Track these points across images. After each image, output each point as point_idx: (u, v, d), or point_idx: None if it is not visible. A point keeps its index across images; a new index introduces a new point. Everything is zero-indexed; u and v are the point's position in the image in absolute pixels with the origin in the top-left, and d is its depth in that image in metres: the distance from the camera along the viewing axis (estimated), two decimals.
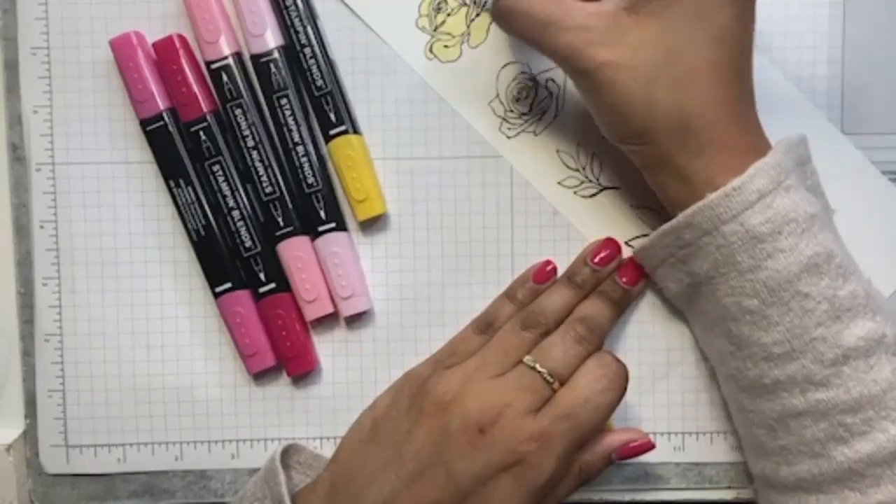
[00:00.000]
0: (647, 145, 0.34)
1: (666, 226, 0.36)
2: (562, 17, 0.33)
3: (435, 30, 0.41)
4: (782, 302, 0.33)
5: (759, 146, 0.35)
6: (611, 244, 0.39)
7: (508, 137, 0.41)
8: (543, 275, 0.39)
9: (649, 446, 0.37)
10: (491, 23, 0.41)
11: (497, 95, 0.41)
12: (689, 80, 0.33)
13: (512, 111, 0.41)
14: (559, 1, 0.34)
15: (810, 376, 0.33)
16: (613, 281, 0.39)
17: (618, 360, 0.36)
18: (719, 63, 0.33)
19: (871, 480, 0.33)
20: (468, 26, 0.41)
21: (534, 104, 0.41)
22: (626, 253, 0.40)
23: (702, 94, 0.33)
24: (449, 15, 0.41)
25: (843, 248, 0.35)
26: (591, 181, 0.41)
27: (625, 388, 0.36)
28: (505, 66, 0.41)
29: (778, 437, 0.35)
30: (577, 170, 0.41)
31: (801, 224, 0.33)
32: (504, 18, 0.35)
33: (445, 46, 0.41)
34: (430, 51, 0.41)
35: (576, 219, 0.41)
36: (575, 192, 0.41)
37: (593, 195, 0.41)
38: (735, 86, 0.34)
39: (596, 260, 0.39)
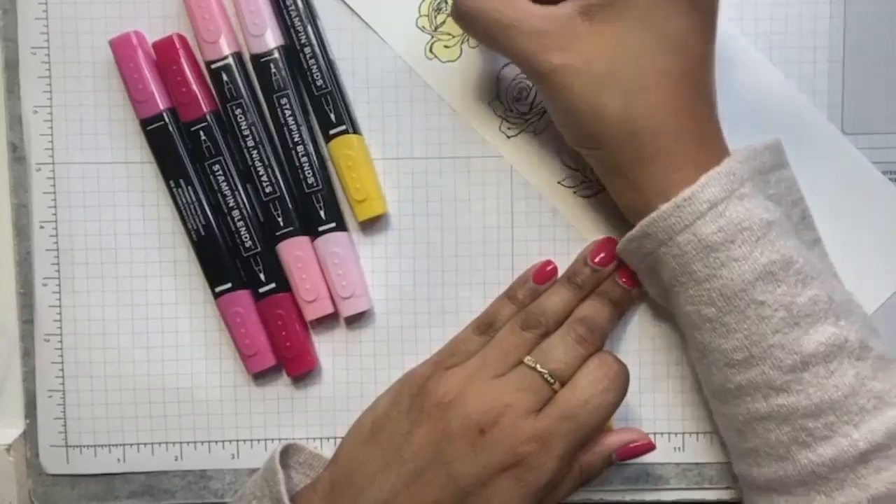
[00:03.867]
0: (600, 150, 0.35)
1: (628, 234, 0.36)
2: (519, 21, 0.34)
3: (435, 30, 0.41)
4: (738, 310, 0.33)
5: (716, 156, 0.34)
6: (611, 244, 0.39)
7: (508, 137, 0.41)
8: (543, 275, 0.39)
9: (650, 447, 0.37)
10: None
11: (497, 95, 0.41)
12: (640, 89, 0.33)
13: (512, 111, 0.41)
14: (517, 5, 0.34)
15: (770, 382, 0.33)
16: (613, 281, 0.39)
17: (619, 361, 0.36)
18: (672, 73, 0.33)
19: (836, 484, 0.33)
20: None
21: (533, 104, 0.41)
22: None
23: (651, 104, 0.33)
24: (449, 15, 0.41)
25: (807, 252, 0.35)
26: (590, 181, 0.41)
27: (625, 389, 0.36)
28: (505, 66, 0.41)
29: (747, 440, 0.35)
30: (576, 169, 0.41)
31: (756, 232, 0.33)
32: (464, 20, 0.35)
33: (445, 46, 0.41)
34: (430, 51, 0.41)
35: (575, 218, 0.41)
36: (575, 192, 0.41)
37: (593, 195, 0.41)
38: (689, 96, 0.34)
39: (596, 260, 0.39)
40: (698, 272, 0.34)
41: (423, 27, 0.41)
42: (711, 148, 0.35)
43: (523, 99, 0.41)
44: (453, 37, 0.41)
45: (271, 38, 0.40)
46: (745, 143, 0.35)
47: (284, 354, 0.41)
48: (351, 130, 0.40)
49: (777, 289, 0.33)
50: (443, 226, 0.42)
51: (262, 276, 0.40)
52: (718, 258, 0.33)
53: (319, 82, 0.40)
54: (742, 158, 0.34)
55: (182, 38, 0.40)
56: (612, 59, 0.33)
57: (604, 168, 0.36)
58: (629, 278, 0.39)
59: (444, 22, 0.41)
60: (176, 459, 0.42)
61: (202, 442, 0.42)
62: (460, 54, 0.41)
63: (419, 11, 0.41)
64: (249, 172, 0.40)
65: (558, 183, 0.41)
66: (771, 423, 0.34)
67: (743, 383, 0.34)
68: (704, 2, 0.34)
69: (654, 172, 0.34)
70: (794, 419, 0.33)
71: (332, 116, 0.40)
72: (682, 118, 0.34)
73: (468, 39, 0.41)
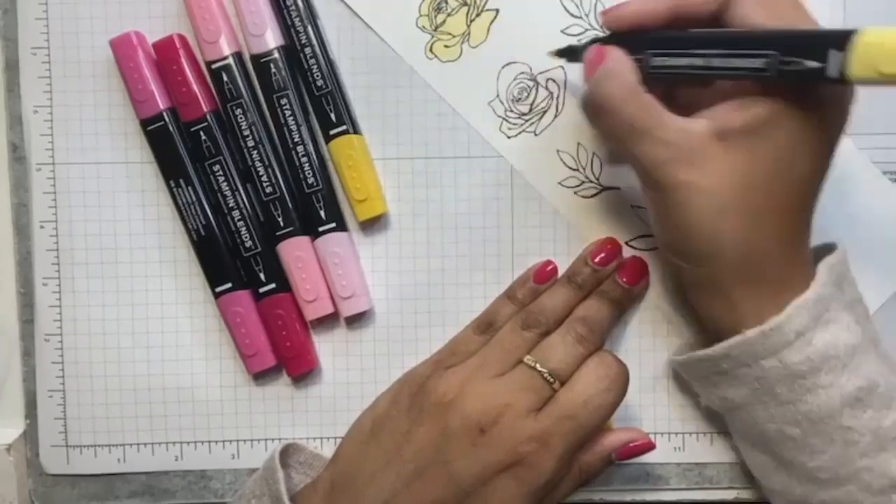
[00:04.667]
0: (705, 268, 0.34)
1: (701, 353, 0.36)
2: (653, 127, 0.32)
3: (435, 29, 0.41)
4: (825, 433, 0.33)
5: (805, 277, 0.34)
6: (611, 244, 0.39)
7: (508, 137, 0.41)
8: (543, 275, 0.39)
9: (649, 446, 0.37)
10: (491, 22, 0.41)
11: (497, 95, 0.41)
12: (762, 218, 0.33)
13: (512, 111, 0.41)
14: (652, 111, 0.32)
15: (859, 502, 0.33)
16: (614, 280, 0.39)
17: (618, 361, 0.36)
18: (792, 209, 0.33)
19: None
20: (468, 26, 0.41)
21: (534, 104, 0.41)
22: (627, 253, 0.40)
23: (770, 233, 0.33)
24: (449, 15, 0.41)
25: (887, 372, 0.34)
26: (591, 181, 0.41)
27: (625, 389, 0.36)
28: (505, 66, 0.41)
29: None
30: (577, 170, 0.41)
31: (842, 359, 0.33)
32: (593, 112, 0.34)
33: (446, 46, 0.41)
34: (431, 50, 0.41)
35: (576, 219, 0.41)
36: (575, 192, 0.41)
37: (594, 195, 0.41)
38: (800, 229, 0.34)
39: (596, 260, 0.39)
40: (782, 395, 0.34)
41: (424, 27, 0.41)
42: (804, 269, 0.34)
43: (523, 99, 0.41)
44: (453, 36, 0.41)
45: (271, 38, 0.40)
46: None
47: (284, 354, 0.41)
48: (351, 130, 0.40)
49: (864, 414, 0.33)
50: (443, 226, 0.42)
51: (262, 276, 0.40)
52: (804, 384, 0.33)
53: (320, 82, 0.40)
54: (825, 278, 0.34)
55: (182, 38, 0.40)
56: (739, 185, 0.32)
57: (702, 283, 0.35)
58: (629, 277, 0.39)
59: (444, 22, 0.41)
60: (176, 459, 0.42)
61: (202, 442, 0.42)
62: (460, 54, 0.41)
63: (419, 11, 0.41)
64: (249, 172, 0.40)
65: (559, 183, 0.41)
66: None
67: (828, 500, 0.34)
68: (833, 148, 0.33)
69: (754, 295, 0.34)
70: None
71: (333, 116, 0.40)
72: (788, 248, 0.34)
73: (468, 39, 0.41)
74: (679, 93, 0.36)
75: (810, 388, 0.33)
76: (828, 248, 0.36)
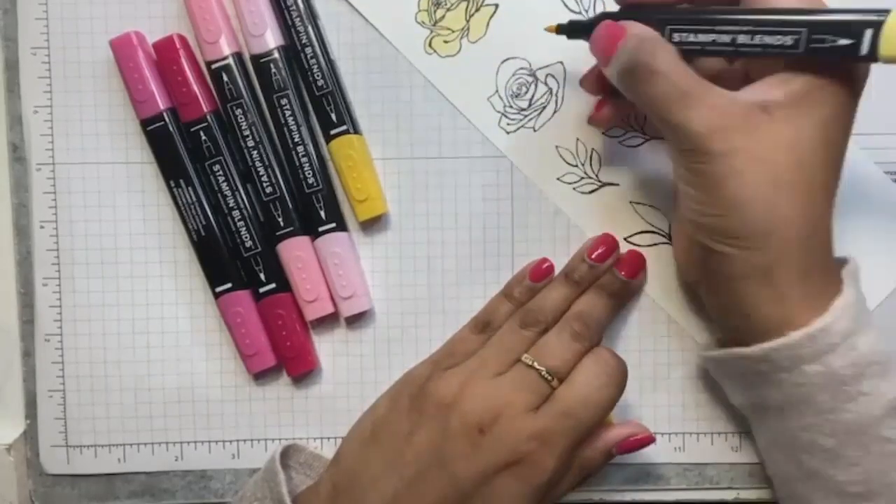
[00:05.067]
0: (750, 251, 0.32)
1: (740, 351, 0.34)
2: (702, 92, 0.31)
3: (434, 24, 0.41)
4: (861, 444, 0.32)
5: (835, 278, 0.33)
6: (608, 240, 0.39)
7: (508, 133, 0.41)
8: (539, 273, 0.39)
9: (650, 440, 0.37)
10: (490, 17, 0.41)
11: (496, 91, 0.41)
12: (811, 195, 0.32)
13: (511, 107, 0.41)
14: (697, 78, 0.31)
15: None
16: (612, 274, 0.39)
17: (616, 356, 0.36)
18: (831, 184, 0.32)
19: None
20: (467, 21, 0.41)
21: (533, 100, 0.41)
22: (625, 248, 0.40)
23: (819, 213, 0.32)
24: (448, 10, 0.41)
25: None
26: (590, 177, 0.41)
27: (624, 384, 0.36)
28: (504, 61, 0.41)
29: None
30: (576, 165, 0.41)
31: (884, 365, 0.32)
32: (637, 77, 0.32)
33: (445, 41, 0.41)
34: (430, 45, 0.41)
35: (575, 215, 0.41)
36: (574, 188, 0.41)
37: (592, 191, 0.41)
38: (831, 213, 0.33)
39: (593, 256, 0.39)
40: (822, 403, 0.32)
41: (423, 22, 0.41)
42: (833, 269, 0.34)
43: (522, 95, 0.41)
44: (452, 31, 0.41)
45: (271, 39, 0.40)
46: None
47: (285, 354, 0.41)
48: (351, 130, 0.40)
49: None
50: (443, 226, 0.42)
51: (262, 276, 0.40)
52: (848, 392, 0.32)
53: (320, 82, 0.40)
54: (854, 281, 0.33)
55: (182, 38, 0.40)
56: (790, 157, 0.31)
57: (741, 271, 0.32)
58: (628, 271, 0.39)
59: (443, 17, 0.41)
60: (176, 459, 0.42)
61: (202, 442, 0.42)
62: (459, 49, 0.41)
63: (418, 6, 0.41)
64: (250, 172, 0.40)
65: (557, 179, 0.41)
66: None
67: None
68: (851, 127, 0.33)
69: (806, 287, 0.32)
70: None
71: (333, 116, 0.40)
72: (829, 234, 0.33)
73: (468, 34, 0.41)
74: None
75: (853, 396, 0.32)
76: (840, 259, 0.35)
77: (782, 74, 0.32)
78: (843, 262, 0.35)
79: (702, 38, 0.32)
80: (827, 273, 0.33)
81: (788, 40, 0.31)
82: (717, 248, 0.33)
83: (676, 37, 0.33)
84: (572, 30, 0.36)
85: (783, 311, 0.32)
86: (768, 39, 0.31)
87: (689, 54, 0.33)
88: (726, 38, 0.32)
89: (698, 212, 0.33)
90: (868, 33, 0.30)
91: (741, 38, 0.32)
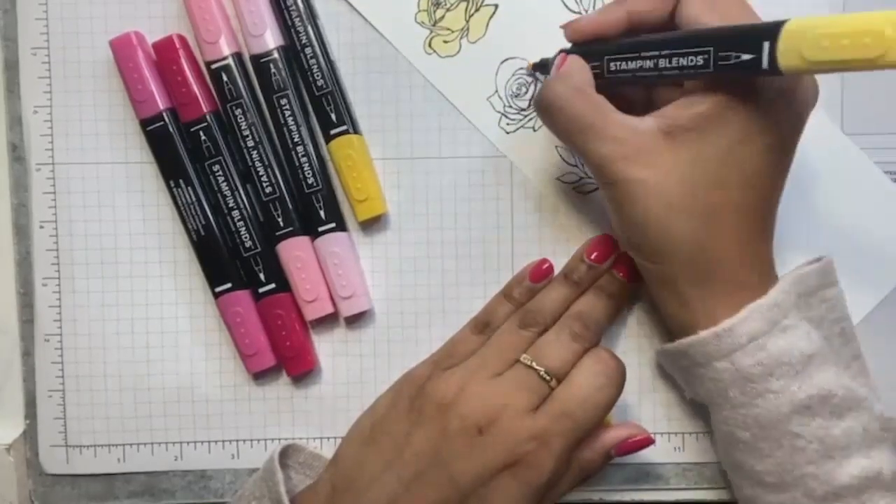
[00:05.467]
0: (657, 265, 0.35)
1: (664, 347, 0.37)
2: (600, 125, 0.33)
3: (434, 24, 0.41)
4: (773, 438, 0.34)
5: (765, 281, 0.35)
6: (607, 241, 0.39)
7: (507, 133, 0.41)
8: (539, 273, 0.39)
9: (648, 441, 0.37)
10: (490, 17, 0.41)
11: (496, 91, 0.41)
12: (711, 217, 0.33)
13: (511, 106, 0.41)
14: (601, 109, 0.33)
15: None
16: (611, 275, 0.39)
17: (615, 357, 0.36)
18: (745, 206, 0.33)
19: None
20: (467, 21, 0.41)
21: (532, 100, 0.41)
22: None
23: (720, 233, 0.33)
24: (448, 10, 0.41)
25: (846, 380, 0.34)
26: (589, 177, 0.41)
27: (622, 385, 0.36)
28: (504, 61, 0.41)
29: None
30: (576, 165, 0.41)
31: (795, 366, 0.33)
32: (544, 112, 0.35)
33: (444, 41, 0.41)
34: (429, 46, 0.41)
35: (575, 215, 0.41)
36: (574, 188, 0.41)
37: (591, 191, 0.41)
38: (756, 229, 0.34)
39: (592, 257, 0.39)
40: (734, 398, 0.34)
41: (423, 22, 0.41)
42: (763, 274, 0.35)
43: (522, 95, 0.41)
44: (452, 32, 0.41)
45: (271, 39, 0.40)
46: None
47: (284, 354, 0.41)
48: (351, 130, 0.40)
49: (812, 422, 0.33)
50: (443, 226, 0.42)
51: (262, 276, 0.40)
52: (755, 388, 0.33)
53: (320, 82, 0.40)
54: (788, 287, 0.34)
55: (182, 39, 0.40)
56: (687, 182, 0.33)
57: (657, 280, 0.36)
58: (627, 272, 0.39)
59: (442, 17, 0.41)
60: (176, 459, 0.42)
61: (202, 442, 0.42)
62: (459, 49, 0.41)
63: (418, 6, 0.41)
64: (249, 172, 0.40)
65: (557, 179, 0.41)
66: None
67: (774, 503, 0.34)
68: (788, 144, 0.34)
69: (706, 294, 0.34)
70: None
71: (333, 116, 0.40)
72: (746, 247, 0.34)
73: (467, 34, 0.41)
74: (640, 98, 0.37)
75: (761, 393, 0.33)
76: (811, 265, 0.37)
77: (693, 96, 0.33)
78: (814, 261, 0.37)
79: (631, 65, 0.34)
80: (743, 279, 0.34)
81: (699, 60, 0.31)
82: (636, 259, 0.36)
83: (612, 66, 0.35)
84: (542, 66, 0.40)
85: (689, 314, 0.35)
86: (683, 61, 0.32)
87: (626, 81, 0.35)
88: (650, 64, 0.33)
89: (616, 226, 0.36)
90: (766, 46, 0.29)
91: (661, 62, 0.33)
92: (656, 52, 0.33)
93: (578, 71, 0.35)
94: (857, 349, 0.38)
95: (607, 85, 0.35)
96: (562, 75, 0.35)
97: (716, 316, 0.34)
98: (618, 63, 0.34)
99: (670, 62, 0.32)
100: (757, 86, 0.32)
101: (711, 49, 0.31)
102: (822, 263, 0.37)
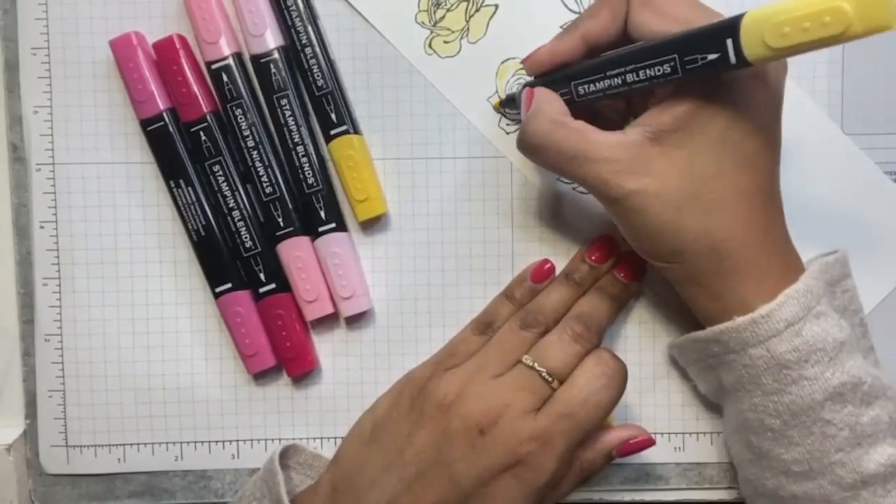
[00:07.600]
0: (678, 264, 0.35)
1: (695, 334, 0.37)
2: (587, 150, 0.33)
3: (434, 25, 0.41)
4: (804, 426, 0.34)
5: (791, 266, 0.35)
6: (608, 241, 0.39)
7: (508, 133, 0.41)
8: (541, 274, 0.39)
9: (649, 442, 0.37)
10: (490, 18, 0.41)
11: (496, 91, 0.41)
12: (717, 206, 0.33)
13: (511, 107, 0.41)
14: (583, 134, 0.33)
15: (828, 497, 0.34)
16: (612, 276, 0.39)
17: (616, 358, 0.36)
18: (746, 189, 0.33)
19: None
20: (467, 21, 0.41)
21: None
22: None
23: (730, 219, 0.33)
24: (448, 10, 0.41)
25: (871, 370, 0.35)
26: None
27: (624, 386, 0.36)
28: (504, 61, 0.41)
29: None
30: None
31: (829, 353, 0.33)
32: (529, 153, 0.35)
33: (445, 42, 0.41)
34: (430, 46, 0.41)
35: (575, 216, 0.41)
36: (574, 188, 0.41)
37: None
38: (763, 209, 0.34)
39: (593, 257, 0.39)
40: (767, 385, 0.34)
41: (423, 22, 0.41)
42: (786, 257, 0.35)
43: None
44: (452, 32, 0.41)
45: (271, 39, 0.40)
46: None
47: (284, 354, 0.41)
48: (351, 130, 0.40)
49: (844, 409, 0.33)
50: (443, 226, 0.42)
51: (262, 276, 0.40)
52: (790, 375, 0.33)
53: (320, 82, 0.40)
54: (817, 273, 0.35)
55: (182, 39, 0.40)
56: (686, 180, 0.33)
57: (682, 279, 0.35)
58: (628, 273, 0.39)
59: (443, 17, 0.41)
60: (176, 459, 0.42)
61: (202, 442, 0.42)
62: (459, 50, 0.41)
63: (418, 6, 0.41)
64: (249, 172, 0.40)
65: (557, 179, 0.41)
66: None
67: (798, 493, 0.34)
68: (772, 121, 0.34)
69: (734, 283, 0.34)
70: None
71: (333, 116, 0.40)
72: (759, 230, 0.34)
73: (467, 35, 0.41)
74: (617, 109, 0.38)
75: (795, 380, 0.33)
76: (831, 255, 0.37)
77: (671, 98, 0.33)
78: (830, 254, 0.38)
79: (600, 85, 0.34)
80: (766, 265, 0.34)
81: (667, 68, 0.31)
82: (655, 264, 0.36)
83: (581, 89, 0.35)
84: (511, 102, 0.40)
85: (722, 305, 0.34)
86: (650, 72, 0.32)
87: (595, 102, 0.35)
88: (618, 80, 0.33)
89: (628, 240, 0.36)
90: (730, 43, 0.29)
91: (629, 77, 0.33)
92: (622, 69, 0.33)
93: (549, 102, 0.35)
94: (871, 342, 0.39)
95: (581, 108, 0.35)
96: (535, 113, 0.34)
97: (749, 303, 0.34)
98: (586, 86, 0.34)
99: (638, 75, 0.32)
100: (732, 77, 0.32)
101: (676, 56, 0.31)
102: (842, 254, 0.37)
